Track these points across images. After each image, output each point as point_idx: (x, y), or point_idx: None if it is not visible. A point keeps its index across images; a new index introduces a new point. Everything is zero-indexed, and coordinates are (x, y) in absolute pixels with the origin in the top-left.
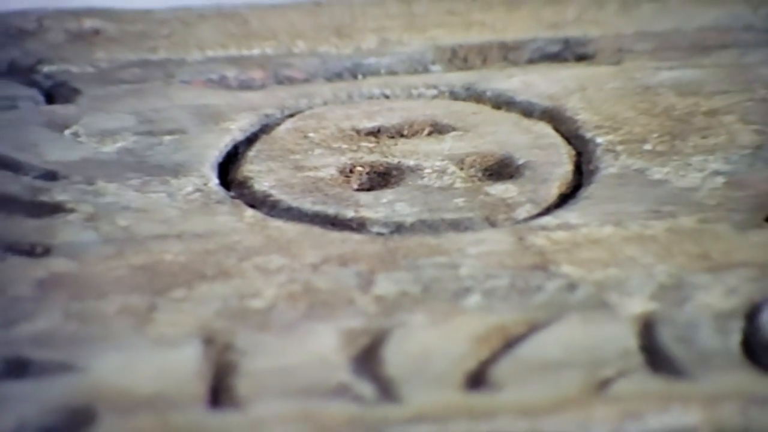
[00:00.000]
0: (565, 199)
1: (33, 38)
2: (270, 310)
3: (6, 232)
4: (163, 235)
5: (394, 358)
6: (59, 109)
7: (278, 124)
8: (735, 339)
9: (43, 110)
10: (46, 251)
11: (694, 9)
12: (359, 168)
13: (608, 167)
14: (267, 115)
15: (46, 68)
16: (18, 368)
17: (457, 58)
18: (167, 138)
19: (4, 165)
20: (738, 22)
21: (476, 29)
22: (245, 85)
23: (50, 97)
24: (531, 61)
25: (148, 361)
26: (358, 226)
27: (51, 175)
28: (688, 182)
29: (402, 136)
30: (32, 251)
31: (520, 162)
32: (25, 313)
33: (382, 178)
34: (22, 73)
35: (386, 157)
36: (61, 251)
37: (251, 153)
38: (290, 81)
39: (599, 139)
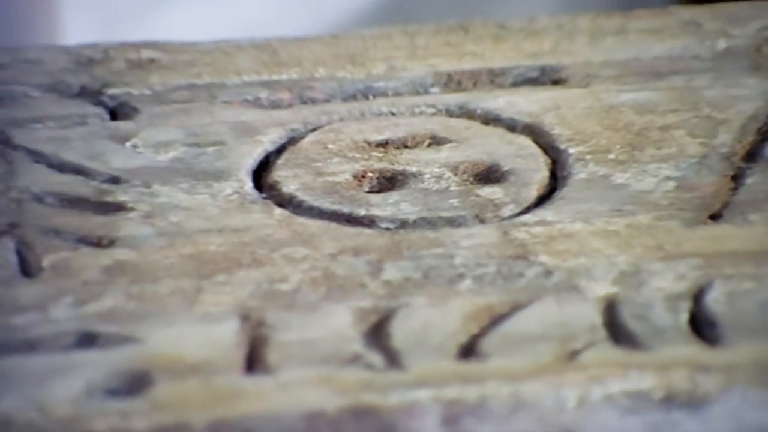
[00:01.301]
0: (542, 200)
1: (100, 66)
2: (295, 293)
3: (78, 227)
4: (207, 230)
5: (399, 333)
6: (121, 125)
7: (302, 137)
8: (683, 317)
9: (108, 126)
10: (111, 243)
11: (651, 41)
12: (370, 174)
13: (578, 173)
14: (293, 130)
15: (110, 91)
16: (87, 340)
17: (452, 82)
18: (210, 149)
19: (76, 171)
20: (687, 52)
21: (468, 58)
22: (275, 105)
23: (114, 115)
24: (514, 85)
25: (195, 334)
26: (368, 222)
27: (115, 180)
28: (645, 186)
29: (406, 147)
30: (99, 243)
31: (505, 169)
32: (94, 294)
33: (389, 182)
34: (91, 95)
35: (392, 164)
36: (123, 243)
37: (280, 161)
38: (312, 101)
39: (571, 150)
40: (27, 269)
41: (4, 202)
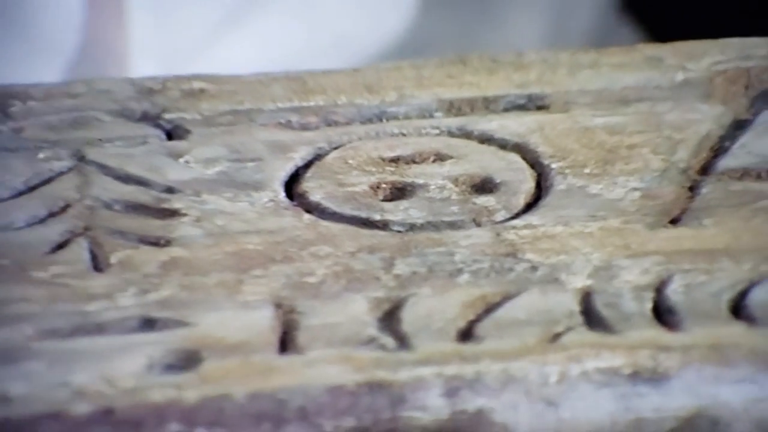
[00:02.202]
0: (529, 207)
1: (159, 95)
2: (320, 284)
3: (140, 229)
4: (246, 231)
5: (407, 318)
6: (176, 144)
7: (327, 154)
8: (648, 305)
9: (165, 145)
10: (167, 242)
11: (620, 74)
12: (383, 185)
13: (559, 185)
14: (319, 148)
15: (167, 116)
16: (148, 324)
17: (453, 107)
18: (249, 164)
19: (138, 182)
20: (650, 83)
21: (466, 87)
22: (304, 127)
23: (170, 136)
24: (505, 110)
25: (236, 319)
26: (382, 225)
27: (170, 190)
28: (615, 195)
29: (414, 162)
30: (157, 242)
31: (498, 181)
32: (153, 285)
33: (399, 192)
34: (151, 119)
35: (403, 177)
36: (177, 242)
37: (308, 174)
38: (335, 124)
39: (553, 165)
40: (97, 265)
41: (79, 209)
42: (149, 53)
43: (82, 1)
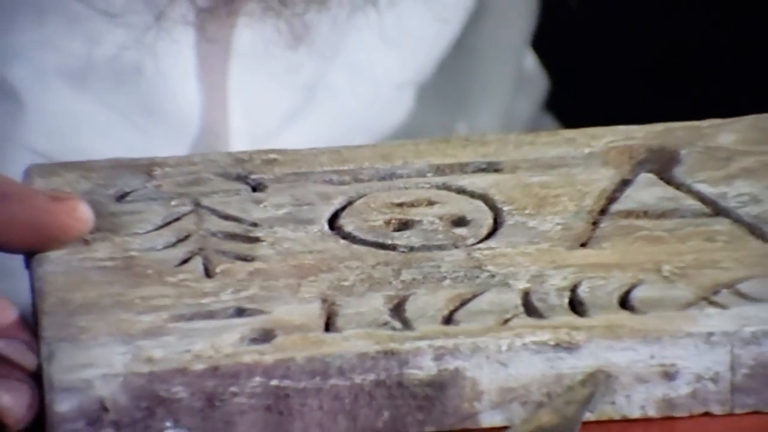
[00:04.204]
0: (489, 235)
1: (247, 162)
2: (352, 286)
3: (235, 250)
4: (303, 251)
5: (410, 309)
6: (258, 195)
7: (356, 200)
8: (566, 300)
9: (251, 195)
10: (252, 259)
11: (548, 148)
12: (393, 221)
13: (509, 221)
14: (351, 197)
15: (252, 176)
16: (240, 312)
17: (439, 170)
18: (305, 207)
19: (234, 219)
20: (568, 155)
21: (448, 157)
22: (341, 183)
23: (254, 189)
24: (473, 172)
25: (298, 309)
26: (393, 247)
27: (254, 224)
28: (545, 227)
29: (413, 206)
30: (246, 258)
31: (469, 218)
32: (243, 287)
33: (404, 225)
34: (242, 178)
35: (406, 216)
36: (258, 259)
37: (343, 214)
38: (361, 181)
39: (505, 208)
40: (208, 273)
41: (196, 237)
42: (242, 135)
43: (201, 104)
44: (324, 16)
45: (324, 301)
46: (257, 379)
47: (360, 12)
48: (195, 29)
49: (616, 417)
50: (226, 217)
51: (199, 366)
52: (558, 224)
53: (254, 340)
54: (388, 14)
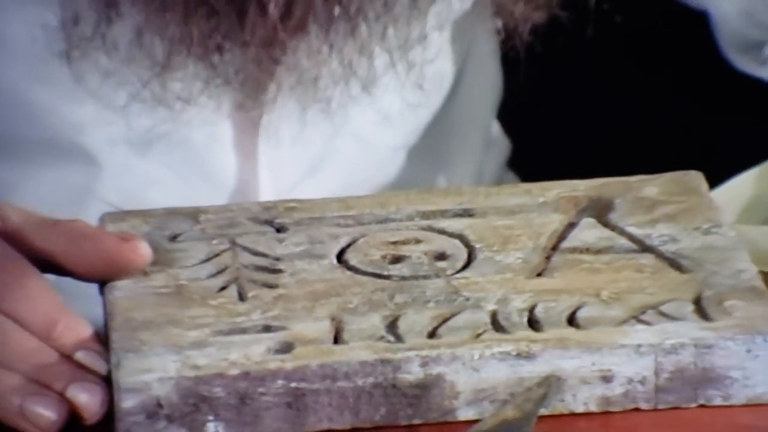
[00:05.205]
0: (464, 267)
1: (273, 209)
2: (355, 308)
3: (262, 279)
4: (317, 280)
5: (402, 326)
6: (280, 235)
7: (358, 239)
8: (525, 318)
9: (275, 235)
10: (276, 286)
11: (511, 197)
12: (389, 255)
13: (480, 256)
14: (354, 237)
15: (276, 220)
16: (267, 329)
17: (425, 215)
18: (318, 245)
19: (262, 255)
20: (527, 203)
21: (431, 205)
22: (347, 225)
23: (278, 231)
24: (452, 217)
25: (312, 325)
26: (388, 277)
27: (278, 258)
28: (509, 261)
29: (404, 244)
30: (271, 286)
31: (449, 254)
32: (269, 308)
33: (397, 259)
34: (268, 222)
35: (399, 251)
36: (281, 286)
37: (349, 250)
38: (363, 224)
39: (477, 246)
40: (242, 297)
41: (232, 269)
42: (268, 188)
43: (236, 165)
44: (335, 96)
45: (333, 319)
46: (280, 382)
47: (363, 94)
48: (233, 110)
49: (565, 412)
50: (256, 253)
51: (234, 371)
52: (519, 258)
53: (277, 351)
54: (384, 97)
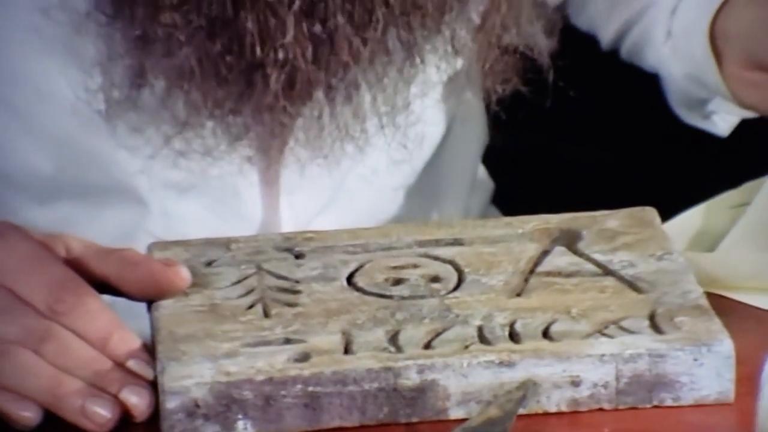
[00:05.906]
0: (455, 288)
1: (293, 239)
2: (362, 324)
3: (283, 299)
4: (330, 300)
5: (402, 339)
6: (299, 261)
7: (365, 264)
8: (506, 332)
9: (294, 261)
10: (295, 305)
11: (494, 229)
12: (391, 278)
13: (468, 278)
14: (361, 263)
15: (296, 248)
16: (288, 341)
17: (421, 244)
18: (331, 269)
19: (283, 278)
20: (508, 233)
21: (427, 235)
22: (356, 252)
23: (297, 257)
24: (445, 245)
25: (326, 339)
26: (390, 297)
27: (296, 281)
28: (493, 282)
29: (404, 268)
30: (291, 305)
31: (442, 277)
32: (290, 323)
33: (398, 282)
34: (289, 250)
35: (399, 275)
36: (300, 305)
37: (357, 273)
38: (369, 251)
39: (466, 269)
40: (266, 314)
41: (259, 290)
42: (289, 222)
43: (262, 203)
44: (334, 153)
45: (343, 333)
46: (299, 386)
47: (355, 151)
48: (258, 157)
49: (540, 411)
50: (279, 277)
51: (260, 377)
52: (501, 281)
53: (297, 360)
54: (372, 154)
